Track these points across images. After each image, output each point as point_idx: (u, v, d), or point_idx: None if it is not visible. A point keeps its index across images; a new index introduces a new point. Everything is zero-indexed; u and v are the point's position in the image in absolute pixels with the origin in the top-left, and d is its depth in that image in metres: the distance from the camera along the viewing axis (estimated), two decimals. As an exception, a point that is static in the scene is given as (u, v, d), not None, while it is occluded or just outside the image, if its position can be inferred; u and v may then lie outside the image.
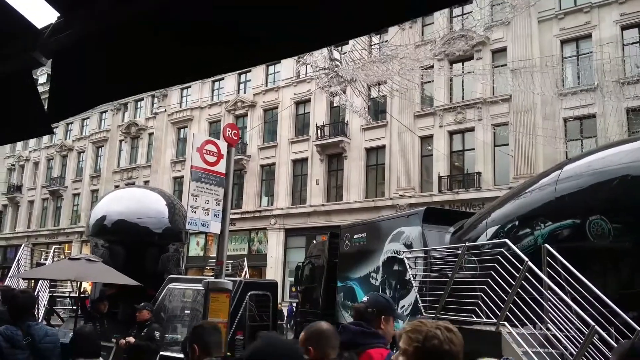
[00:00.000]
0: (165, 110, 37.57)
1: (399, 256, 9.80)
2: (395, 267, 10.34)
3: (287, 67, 31.13)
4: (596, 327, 5.35)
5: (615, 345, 5.35)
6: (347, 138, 28.50)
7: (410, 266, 8.98)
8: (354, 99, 20.23)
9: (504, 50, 23.89)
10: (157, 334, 7.63)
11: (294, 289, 22.42)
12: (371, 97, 25.03)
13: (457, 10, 25.70)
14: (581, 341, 5.55)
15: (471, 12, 24.20)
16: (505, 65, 22.98)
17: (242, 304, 9.01)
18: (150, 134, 39.46)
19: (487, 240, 8.18)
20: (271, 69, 33.55)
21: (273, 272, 29.01)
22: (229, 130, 7.47)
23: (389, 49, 17.42)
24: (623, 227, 6.17)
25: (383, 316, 3.10)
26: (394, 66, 16.00)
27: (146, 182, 37.51)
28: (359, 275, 11.68)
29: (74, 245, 40.71)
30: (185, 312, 9.98)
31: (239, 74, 34.97)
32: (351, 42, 17.00)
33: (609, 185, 6.45)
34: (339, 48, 19.96)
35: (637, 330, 5.22)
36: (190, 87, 37.31)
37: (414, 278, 8.85)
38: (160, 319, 9.15)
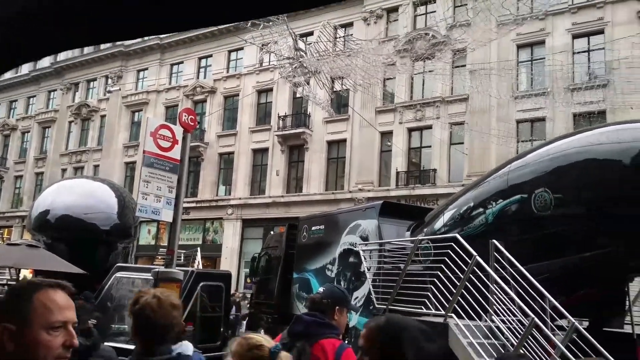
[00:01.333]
0: (120, 89, 36.43)
1: (355, 248, 10.01)
2: (351, 259, 10.52)
3: (250, 54, 30.93)
4: (535, 319, 5.71)
5: (552, 336, 5.76)
6: (309, 130, 28.62)
7: (365, 258, 9.20)
8: (317, 90, 20.37)
9: (464, 51, 24.50)
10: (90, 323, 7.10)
11: (249, 280, 22.39)
12: (334, 90, 25.23)
13: (421, 9, 26.16)
14: (522, 332, 5.91)
15: (434, 11, 24.70)
16: (465, 66, 23.59)
17: (193, 294, 8.97)
18: (103, 117, 38.21)
19: (444, 225, 8.50)
20: (233, 55, 33.22)
21: (228, 263, 28.91)
22: (185, 115, 7.27)
23: (353, 43, 17.62)
24: (562, 197, 6.70)
25: (337, 307, 3.16)
26: (358, 61, 16.21)
27: (96, 167, 36.61)
28: (315, 266, 11.79)
29: (14, 231, 39.26)
30: (134, 301, 9.76)
31: (199, 59, 34.48)
32: (316, 33, 17.12)
33: (553, 163, 7.06)
34: (304, 38, 20.06)
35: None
36: (147, 69, 36.55)
37: (368, 270, 9.07)
38: (106, 308, 9.00)
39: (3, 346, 1.41)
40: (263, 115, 31.29)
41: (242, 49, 31.24)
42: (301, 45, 16.68)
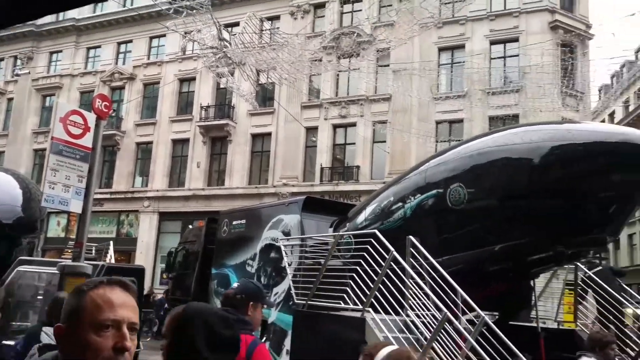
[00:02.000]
0: (29, 72, 34.08)
1: (277, 244, 9.92)
2: (272, 255, 10.42)
3: (172, 41, 29.91)
4: (448, 313, 5.86)
5: (463, 330, 5.94)
6: (233, 122, 28.16)
7: (286, 253, 9.14)
8: (241, 82, 20.04)
9: (387, 50, 25.02)
10: None
11: (165, 276, 21.71)
12: (260, 82, 24.96)
13: (347, 7, 26.44)
14: (435, 326, 6.06)
15: (361, 10, 25.04)
16: (388, 66, 24.08)
17: (104, 290, 8.51)
18: (10, 100, 35.62)
19: (365, 219, 8.57)
20: (155, 41, 32.02)
21: (143, 257, 27.90)
22: (99, 101, 6.89)
23: (279, 36, 17.47)
24: (475, 191, 6.95)
25: (251, 302, 3.11)
26: (284, 55, 16.09)
27: (1, 153, 34.16)
28: (235, 262, 11.59)
29: None
30: (38, 297, 9.19)
31: (118, 44, 32.96)
32: (242, 24, 16.81)
33: (468, 161, 7.29)
34: (229, 29, 19.66)
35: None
36: (61, 51, 34.48)
37: (289, 265, 9.02)
38: (7, 305, 8.39)
39: (60, 347, 1.34)
40: (185, 104, 30.42)
41: (164, 35, 30.17)
42: (225, 35, 16.31)
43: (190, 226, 19.69)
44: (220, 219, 12.68)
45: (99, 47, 33.61)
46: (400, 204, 8.00)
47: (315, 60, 20.12)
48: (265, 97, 27.78)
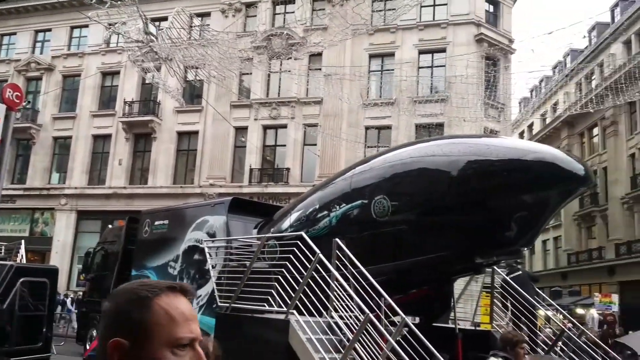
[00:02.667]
0: None
1: (201, 245, 9.68)
2: (196, 257, 10.18)
3: (95, 32, 28.61)
4: (370, 315, 5.93)
5: (385, 331, 6.02)
6: (158, 119, 27.32)
7: (210, 255, 8.93)
8: (168, 78, 19.47)
9: (320, 54, 25.22)
10: None
11: (82, 277, 20.73)
12: (187, 79, 24.36)
13: (279, 8, 26.37)
14: (357, 328, 6.10)
15: (293, 12, 25.05)
16: (320, 69, 24.24)
17: (12, 291, 8.07)
18: None
19: (290, 225, 8.54)
20: (76, 32, 30.52)
21: (59, 257, 26.46)
22: (9, 91, 6.55)
23: (209, 33, 17.12)
24: (398, 204, 7.08)
25: None
26: (213, 52, 15.77)
27: None
28: (156, 263, 11.23)
29: None
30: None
31: (36, 32, 31.13)
32: (170, 19, 16.33)
33: (392, 171, 7.44)
34: (157, 23, 19.05)
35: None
36: (-31, 37, 32.16)
37: (213, 267, 8.82)
38: None
39: None
40: (107, 99, 29.23)
41: (86, 26, 28.88)
42: (152, 29, 15.77)
43: (110, 226, 18.94)
44: (142, 219, 12.26)
45: (14, 34, 31.63)
46: (325, 212, 8.01)
47: (246, 60, 19.88)
48: (193, 94, 27.19)
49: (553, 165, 6.19)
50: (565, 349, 8.10)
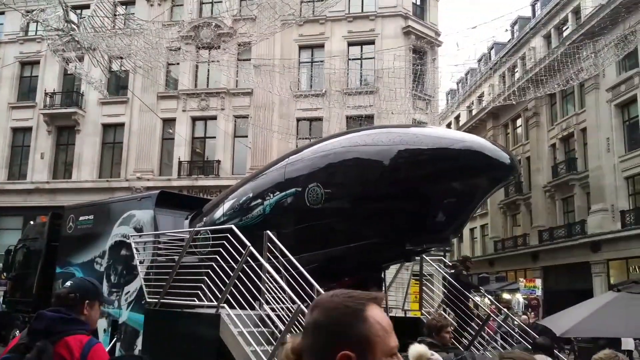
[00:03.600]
0: None
1: (128, 240, 9.40)
2: (123, 252, 9.91)
3: (12, 20, 26.97)
4: (301, 305, 5.97)
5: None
6: (82, 110, 26.18)
7: (137, 251, 8.70)
8: (91, 69, 18.65)
9: (249, 44, 24.92)
10: None
11: (3, 276, 19.70)
12: (112, 70, 23.44)
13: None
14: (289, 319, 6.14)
15: (221, 1, 24.60)
16: (249, 60, 23.99)
17: None
18: None
19: (223, 214, 8.41)
20: (-9, 19, 28.67)
21: (-24, 256, 24.88)
22: None
23: (134, 22, 16.53)
24: (331, 192, 7.14)
25: (87, 301, 2.94)
26: (139, 42, 15.26)
27: None
28: (82, 260, 10.87)
29: None
30: None
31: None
32: (92, 7, 15.64)
33: (325, 160, 7.49)
34: (79, 11, 18.21)
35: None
36: None
37: (141, 263, 8.60)
38: None
39: None
40: (27, 90, 27.71)
41: (2, 13, 27.15)
42: (73, 17, 15.05)
43: (32, 222, 18.14)
44: (66, 215, 11.81)
45: None
46: (259, 200, 7.98)
47: (173, 50, 19.37)
48: (118, 85, 26.24)
49: (480, 154, 6.39)
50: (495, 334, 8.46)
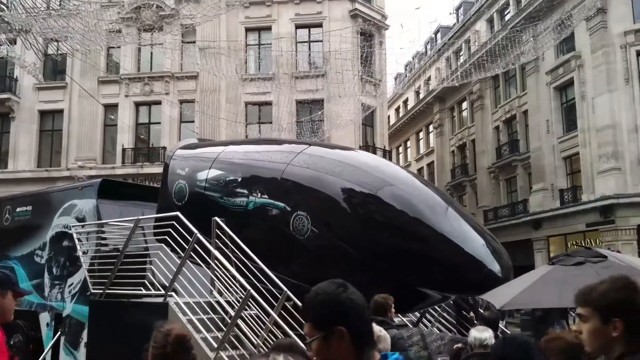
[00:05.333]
0: None
1: (70, 231, 9.05)
2: (65, 243, 9.55)
3: None
4: (251, 291, 5.89)
5: (266, 305, 6.01)
6: (16, 97, 24.91)
7: (80, 241, 8.38)
8: (25, 52, 17.71)
9: (193, 26, 24.26)
10: None
11: None
12: (47, 53, 22.34)
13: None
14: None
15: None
16: (194, 42, 23.39)
17: None
18: None
19: (208, 180, 7.98)
20: None
21: None
22: None
23: (70, 3, 15.75)
24: (319, 232, 6.53)
25: None
26: (76, 24, 14.57)
27: None
28: (20, 253, 10.43)
29: None
30: None
31: None
32: (23, -14, 14.78)
33: (321, 189, 6.79)
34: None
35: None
36: None
37: (85, 254, 8.31)
38: None
39: None
40: (-46, 75, 26.03)
41: None
42: (3, -4, 14.22)
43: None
44: (1, 206, 11.26)
45: None
46: (245, 190, 7.42)
47: (113, 32, 18.61)
48: (55, 69, 25.06)
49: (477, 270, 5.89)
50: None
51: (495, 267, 5.86)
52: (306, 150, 7.53)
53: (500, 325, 7.28)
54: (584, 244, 21.71)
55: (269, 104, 23.83)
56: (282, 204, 6.90)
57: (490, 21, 33.18)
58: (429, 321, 8.47)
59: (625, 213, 21.61)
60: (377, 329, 3.95)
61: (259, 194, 7.18)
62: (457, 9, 40.27)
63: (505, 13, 31.69)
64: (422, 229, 6.06)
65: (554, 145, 25.91)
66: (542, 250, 26.42)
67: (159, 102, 24.16)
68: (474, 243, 6.02)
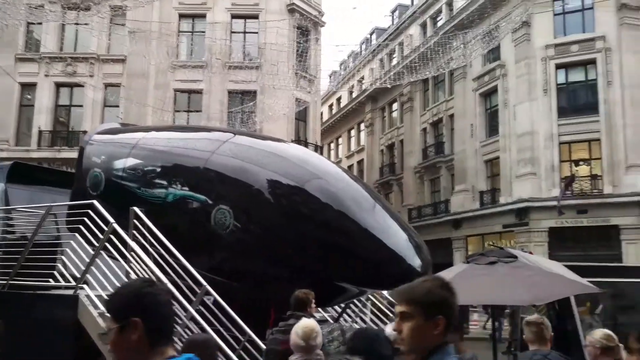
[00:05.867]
0: None
1: (-27, 217, 8.39)
2: (-32, 230, 8.84)
3: None
4: (168, 284, 5.69)
5: (184, 301, 5.84)
6: None
7: (-17, 228, 7.81)
8: None
9: (122, 8, 23.26)
10: None
11: None
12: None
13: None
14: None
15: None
16: (124, 25, 22.43)
17: None
18: None
19: (125, 169, 7.52)
20: None
21: None
22: None
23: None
24: (241, 226, 6.30)
25: None
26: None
27: None
28: None
29: None
30: None
31: None
32: None
33: (245, 181, 6.51)
34: None
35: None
36: None
37: (-10, 242, 7.75)
38: None
39: None
40: None
41: None
42: None
43: None
44: None
45: None
46: (165, 181, 7.03)
47: (34, 7, 17.50)
48: (-34, 44, 23.29)
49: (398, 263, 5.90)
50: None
51: (416, 261, 5.93)
52: (232, 139, 7.24)
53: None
54: (499, 244, 22.80)
55: (199, 92, 23.27)
56: (203, 197, 6.62)
57: (423, 26, 34.07)
58: (350, 316, 8.55)
59: (538, 216, 22.87)
60: (307, 322, 3.91)
61: (179, 186, 6.84)
62: (393, 12, 41.07)
63: (438, 19, 32.65)
64: (345, 223, 6.01)
65: (476, 149, 27.00)
66: (461, 249, 27.50)
67: (81, 85, 22.99)
68: (396, 238, 6.06)
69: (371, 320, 8.67)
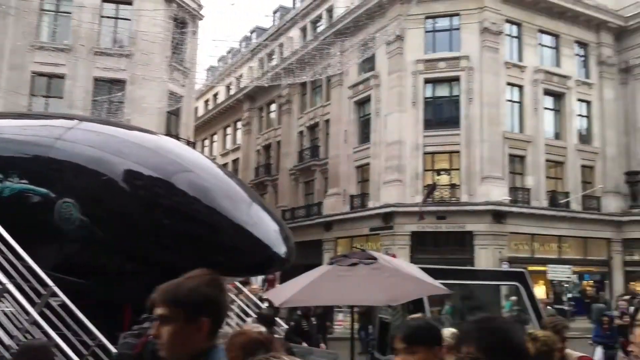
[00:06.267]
0: None
1: None
2: None
3: None
4: (7, 285, 5.18)
5: (26, 303, 5.32)
6: None
7: None
8: None
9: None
10: None
11: None
12: None
13: None
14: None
15: None
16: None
17: None
18: None
19: None
20: None
21: None
22: None
23: None
24: (89, 221, 5.94)
25: None
26: None
27: None
28: None
29: None
30: None
31: None
32: None
33: (95, 172, 6.12)
34: None
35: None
36: None
37: None
38: None
39: None
40: None
41: None
42: None
43: None
44: None
45: None
46: (1, 175, 6.34)
47: None
48: None
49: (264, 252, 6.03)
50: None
51: (281, 249, 6.10)
52: (81, 125, 6.78)
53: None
54: (365, 247, 23.77)
55: (61, 77, 21.47)
56: (45, 190, 6.12)
57: (303, 30, 34.58)
58: (230, 317, 8.43)
59: (402, 220, 24.20)
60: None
61: (17, 178, 6.25)
62: (275, 13, 41.23)
63: (318, 25, 33.35)
64: (208, 212, 5.98)
65: (349, 155, 27.96)
66: (330, 250, 28.27)
67: None
68: (264, 228, 6.15)
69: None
